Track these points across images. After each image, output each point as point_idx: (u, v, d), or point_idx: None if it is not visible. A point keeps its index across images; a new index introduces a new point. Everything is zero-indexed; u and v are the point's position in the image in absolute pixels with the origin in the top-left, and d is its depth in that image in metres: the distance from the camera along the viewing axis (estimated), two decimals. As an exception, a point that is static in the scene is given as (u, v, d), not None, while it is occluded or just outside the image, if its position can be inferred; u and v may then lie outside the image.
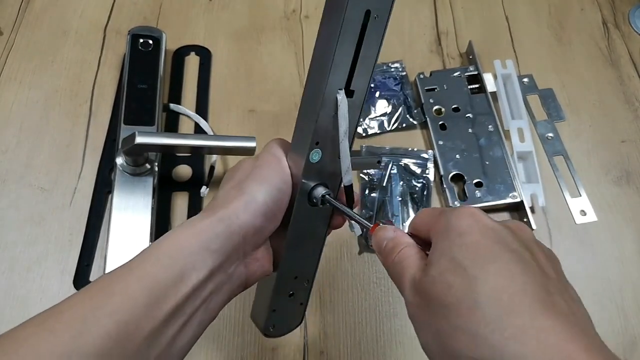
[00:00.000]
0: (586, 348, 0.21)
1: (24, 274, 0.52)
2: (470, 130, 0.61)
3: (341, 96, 0.30)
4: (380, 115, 0.63)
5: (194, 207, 0.57)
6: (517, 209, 0.58)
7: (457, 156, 0.60)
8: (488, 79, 0.65)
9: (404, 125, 0.63)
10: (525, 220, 0.56)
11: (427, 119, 0.62)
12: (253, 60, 0.68)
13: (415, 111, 0.63)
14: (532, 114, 0.65)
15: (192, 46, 0.68)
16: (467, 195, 0.57)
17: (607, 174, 0.61)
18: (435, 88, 0.64)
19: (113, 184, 0.55)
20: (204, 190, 0.57)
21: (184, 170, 0.60)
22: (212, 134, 0.61)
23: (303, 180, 0.32)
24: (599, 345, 0.23)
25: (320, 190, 0.33)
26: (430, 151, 0.60)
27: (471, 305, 0.23)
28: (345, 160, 0.32)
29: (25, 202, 0.56)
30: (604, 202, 0.59)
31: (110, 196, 0.55)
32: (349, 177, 0.32)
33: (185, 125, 0.63)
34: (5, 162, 0.58)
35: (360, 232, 0.36)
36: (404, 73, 0.66)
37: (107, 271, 0.48)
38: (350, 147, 0.32)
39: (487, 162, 0.59)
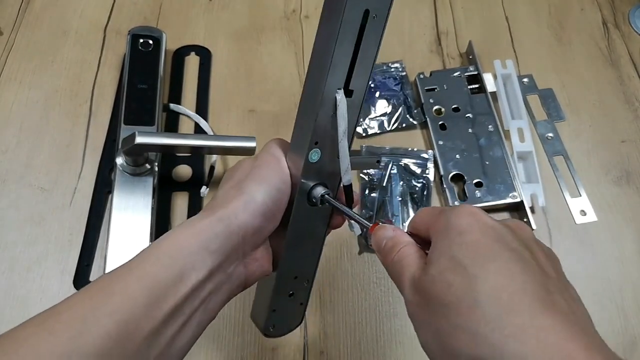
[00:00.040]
0: (586, 347, 0.21)
1: (24, 274, 0.52)
2: (470, 130, 0.61)
3: (340, 96, 0.30)
4: (380, 115, 0.63)
5: (194, 207, 0.57)
6: (517, 209, 0.58)
7: (457, 156, 0.60)
8: (488, 79, 0.65)
9: (404, 125, 0.63)
10: (525, 220, 0.56)
11: (427, 119, 0.62)
12: (253, 60, 0.68)
13: (415, 111, 0.63)
14: (532, 114, 0.65)
15: (192, 46, 0.68)
16: (467, 195, 0.57)
17: (607, 174, 0.61)
18: (435, 88, 0.64)
19: (113, 184, 0.55)
20: (204, 190, 0.57)
21: (184, 170, 0.60)
22: (212, 134, 0.61)
23: (302, 180, 0.32)
24: (599, 344, 0.23)
25: (320, 190, 0.33)
26: (430, 151, 0.60)
27: (471, 304, 0.23)
28: (345, 160, 0.32)
29: (25, 202, 0.56)
30: (604, 202, 0.59)
31: (110, 196, 0.55)
32: (348, 176, 0.32)
33: (185, 125, 0.63)
34: (5, 162, 0.58)
35: (360, 232, 0.36)
36: (404, 73, 0.66)
37: (107, 271, 0.48)
38: (350, 147, 0.33)
39: (487, 162, 0.59)
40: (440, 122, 0.62)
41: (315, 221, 0.36)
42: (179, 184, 0.59)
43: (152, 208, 0.54)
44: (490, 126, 0.61)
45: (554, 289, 0.24)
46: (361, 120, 0.63)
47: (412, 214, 0.56)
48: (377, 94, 0.64)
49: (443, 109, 0.63)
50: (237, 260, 0.31)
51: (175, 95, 0.65)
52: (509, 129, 0.61)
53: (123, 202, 0.54)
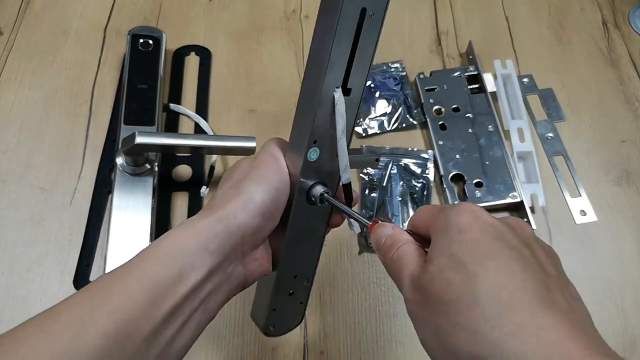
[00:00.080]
0: (586, 346, 0.21)
1: (24, 274, 0.52)
2: (470, 130, 0.61)
3: (338, 94, 0.30)
4: (380, 115, 0.63)
5: (194, 207, 0.57)
6: (517, 209, 0.58)
7: (457, 156, 0.60)
8: (488, 79, 0.65)
9: (404, 125, 0.63)
10: (525, 220, 0.56)
11: (427, 119, 0.62)
12: (253, 60, 0.68)
13: (415, 111, 0.63)
14: (532, 114, 0.65)
15: (192, 46, 0.68)
16: (467, 195, 0.57)
17: (607, 174, 0.61)
18: (435, 88, 0.64)
19: (113, 184, 0.55)
20: (204, 190, 0.57)
21: (184, 170, 0.60)
22: (212, 134, 0.61)
23: (301, 179, 0.32)
24: (599, 343, 0.23)
25: (319, 189, 0.33)
26: (430, 151, 0.60)
27: (471, 302, 0.23)
28: (343, 158, 0.32)
29: (25, 202, 0.56)
30: (604, 202, 0.59)
31: (110, 196, 0.55)
32: (347, 175, 0.32)
33: (185, 125, 0.63)
34: (5, 162, 0.58)
35: (360, 231, 0.36)
36: (404, 73, 0.66)
37: (107, 271, 0.48)
38: (348, 146, 0.33)
39: (487, 162, 0.59)
40: (440, 122, 0.62)
41: (314, 220, 0.36)
42: (179, 184, 0.59)
43: (152, 208, 0.54)
44: (490, 126, 0.61)
45: (554, 287, 0.24)
46: (361, 120, 0.63)
47: (412, 213, 0.56)
48: (377, 94, 0.64)
49: (443, 109, 0.63)
50: (237, 260, 0.31)
51: (175, 95, 0.65)
52: (509, 129, 0.61)
53: (123, 202, 0.54)
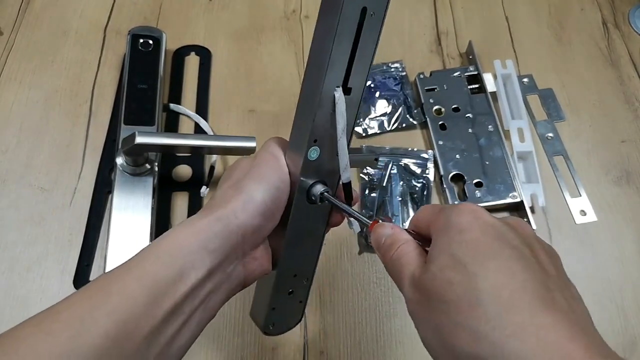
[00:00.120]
0: (586, 346, 0.21)
1: (24, 274, 0.52)
2: (470, 130, 0.61)
3: (339, 93, 0.30)
4: (380, 115, 0.63)
5: (194, 207, 0.57)
6: (517, 209, 0.58)
7: (457, 156, 0.60)
8: (488, 79, 0.65)
9: (404, 125, 0.63)
10: (525, 220, 0.56)
11: (427, 119, 0.62)
12: (253, 60, 0.68)
13: (415, 111, 0.63)
14: (532, 114, 0.65)
15: (192, 46, 0.68)
16: (467, 195, 0.57)
17: (607, 174, 0.61)
18: (435, 88, 0.64)
19: (113, 184, 0.55)
20: (204, 190, 0.57)
21: (184, 170, 0.60)
22: (212, 134, 0.61)
23: (301, 178, 0.32)
24: (599, 344, 0.23)
25: (319, 188, 0.33)
26: (430, 151, 0.60)
27: (472, 302, 0.23)
28: (344, 157, 0.32)
29: (25, 202, 0.56)
30: (604, 202, 0.59)
31: (110, 196, 0.55)
32: (348, 174, 0.33)
33: (185, 125, 0.63)
34: (5, 162, 0.58)
35: (360, 230, 0.36)
36: (404, 73, 0.66)
37: (107, 271, 0.48)
38: (348, 145, 0.33)
39: (487, 162, 0.59)
40: (440, 122, 0.62)
41: (314, 219, 0.36)
42: (179, 184, 0.59)
43: (152, 208, 0.54)
44: (490, 126, 0.61)
45: (554, 287, 0.24)
46: (361, 120, 0.63)
47: (412, 213, 0.56)
48: (377, 94, 0.64)
49: (443, 109, 0.63)
50: (237, 259, 0.31)
51: (175, 95, 0.65)
52: (509, 129, 0.61)
53: (123, 202, 0.54)
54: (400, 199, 0.57)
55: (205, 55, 0.68)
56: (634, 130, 0.64)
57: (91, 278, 0.52)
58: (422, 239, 0.29)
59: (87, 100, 0.63)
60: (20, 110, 0.62)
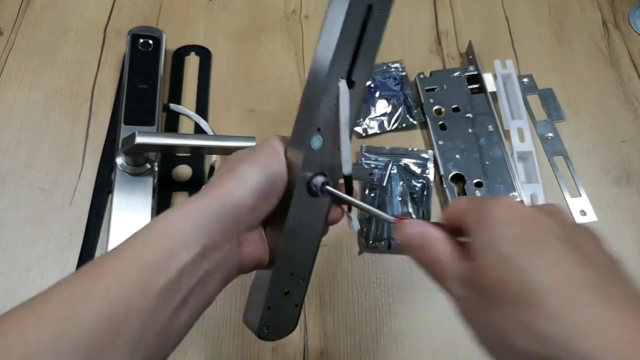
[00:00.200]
0: None
1: (24, 274, 0.52)
2: (470, 130, 0.61)
3: (343, 84, 0.31)
4: (380, 115, 0.63)
5: (194, 207, 0.57)
6: (517, 209, 0.58)
7: (457, 156, 0.60)
8: (488, 79, 0.65)
9: (404, 125, 0.63)
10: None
11: (427, 119, 0.62)
12: (253, 60, 0.68)
13: (415, 111, 0.63)
14: (532, 114, 0.65)
15: (192, 46, 0.68)
16: (467, 195, 0.57)
17: (607, 174, 0.61)
18: (435, 88, 0.64)
19: (113, 184, 0.55)
20: (204, 190, 0.57)
21: (184, 170, 0.60)
22: (212, 134, 0.61)
23: (303, 167, 0.32)
24: None
25: (320, 179, 0.34)
26: (430, 151, 0.61)
27: (529, 300, 0.22)
28: (346, 149, 0.32)
29: (25, 202, 0.56)
30: (604, 202, 0.59)
31: (110, 196, 0.55)
32: (349, 166, 0.33)
33: (185, 125, 0.63)
34: (5, 162, 0.58)
35: (359, 228, 0.36)
36: (404, 73, 0.66)
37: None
38: (350, 139, 0.33)
39: (487, 162, 0.59)
40: (440, 122, 0.62)
41: (314, 213, 0.36)
42: (179, 184, 0.59)
43: (152, 208, 0.54)
44: (490, 126, 0.61)
45: (607, 277, 0.23)
46: (361, 120, 0.63)
47: (412, 214, 0.56)
48: (377, 94, 0.64)
49: (443, 109, 0.63)
50: (233, 239, 0.31)
51: (175, 95, 0.65)
52: (509, 129, 0.61)
53: (123, 202, 0.54)
54: (400, 199, 0.57)
55: (205, 55, 0.68)
56: (634, 130, 0.64)
57: (91, 278, 0.52)
58: (452, 231, 0.28)
59: (87, 100, 0.63)
60: (20, 110, 0.62)
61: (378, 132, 0.63)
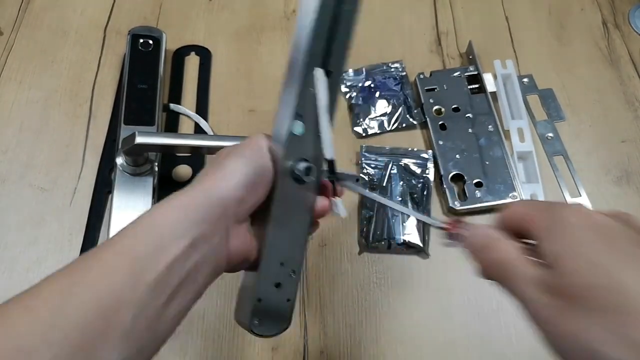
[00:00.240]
0: None
1: (24, 274, 0.52)
2: (470, 130, 0.61)
3: (319, 72, 0.33)
4: (380, 115, 0.63)
5: (194, 207, 0.57)
6: (517, 209, 0.58)
7: (457, 156, 0.60)
8: (488, 79, 0.65)
9: (404, 125, 0.63)
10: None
11: (427, 119, 0.62)
12: (253, 60, 0.68)
13: (415, 111, 0.63)
14: (532, 114, 0.65)
15: (192, 46, 0.68)
16: (467, 195, 0.57)
17: (607, 174, 0.61)
18: (435, 88, 0.64)
19: (113, 184, 0.55)
20: (204, 190, 0.57)
21: (184, 170, 0.60)
22: (212, 134, 0.61)
23: (285, 151, 0.33)
24: None
25: (303, 164, 0.34)
26: (430, 151, 0.60)
27: (621, 308, 0.22)
28: (326, 133, 0.33)
29: (25, 202, 0.56)
30: (604, 202, 0.59)
31: (110, 196, 0.55)
32: (331, 150, 0.34)
33: (185, 125, 0.63)
34: (5, 162, 0.58)
35: (345, 214, 0.36)
36: (404, 73, 0.66)
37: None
38: (331, 127, 0.35)
39: (487, 162, 0.59)
40: (440, 122, 0.62)
41: (300, 202, 0.36)
42: (179, 184, 0.59)
43: (152, 208, 0.54)
44: (490, 126, 0.61)
45: None
46: (361, 120, 0.63)
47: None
48: (377, 94, 0.64)
49: (443, 109, 0.63)
50: (221, 231, 0.31)
51: (175, 95, 0.65)
52: (509, 129, 0.61)
53: (123, 202, 0.54)
54: (400, 199, 0.57)
55: (205, 55, 0.68)
56: (634, 130, 0.64)
57: (91, 278, 0.52)
58: (509, 235, 0.28)
59: (87, 100, 0.63)
60: (20, 110, 0.62)
61: (378, 132, 0.63)
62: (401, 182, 0.58)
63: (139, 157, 0.54)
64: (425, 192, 0.58)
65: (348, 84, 0.65)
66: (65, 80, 0.64)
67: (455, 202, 0.57)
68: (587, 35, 0.71)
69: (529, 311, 0.26)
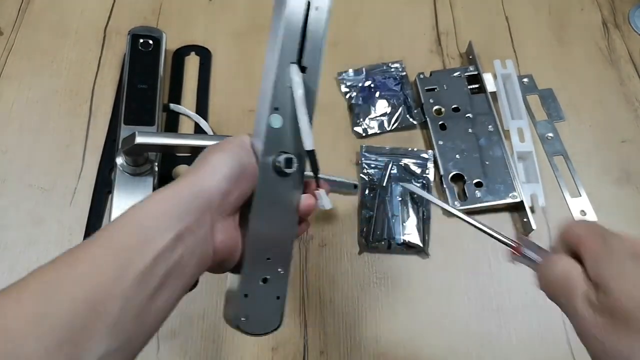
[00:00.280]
0: None
1: (24, 274, 0.52)
2: (470, 130, 0.61)
3: (294, 67, 0.35)
4: (380, 115, 0.63)
5: (194, 207, 0.57)
6: (517, 209, 0.58)
7: (457, 156, 0.60)
8: (488, 79, 0.65)
9: (404, 125, 0.63)
10: (525, 220, 0.56)
11: (427, 119, 0.62)
12: (253, 60, 0.68)
13: (415, 111, 0.63)
14: (532, 114, 0.65)
15: (192, 46, 0.68)
16: (467, 195, 0.57)
17: (607, 174, 0.61)
18: (435, 88, 0.64)
19: (113, 184, 0.55)
20: (204, 190, 0.57)
21: (183, 171, 0.59)
22: (212, 134, 0.61)
23: (265, 144, 0.34)
24: None
25: (283, 156, 0.35)
26: (430, 151, 0.61)
27: None
28: (304, 125, 0.34)
29: (25, 202, 0.56)
30: (604, 202, 0.59)
31: (110, 196, 0.55)
32: (310, 141, 0.34)
33: (185, 125, 0.63)
34: (5, 162, 0.58)
35: (330, 207, 0.37)
36: (404, 73, 0.66)
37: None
38: (310, 121, 0.36)
39: (487, 162, 0.59)
40: (440, 122, 0.62)
41: (284, 196, 0.36)
42: (179, 184, 0.59)
43: (152, 208, 0.54)
44: (490, 126, 0.61)
45: None
46: (361, 120, 0.63)
47: (412, 214, 0.56)
48: (377, 94, 0.64)
49: (443, 109, 0.63)
50: (206, 224, 0.31)
51: (175, 95, 0.65)
52: (509, 129, 0.61)
53: (123, 202, 0.53)
54: (400, 199, 0.57)
55: (205, 55, 0.68)
56: (634, 130, 0.64)
57: (91, 278, 0.52)
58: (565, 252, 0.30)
59: (87, 100, 0.63)
60: (20, 110, 0.62)
61: (378, 132, 0.63)
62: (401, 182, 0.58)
63: (139, 157, 0.54)
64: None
65: (348, 84, 0.65)
66: (65, 80, 0.64)
67: (455, 202, 0.57)
68: (587, 35, 0.71)
69: (580, 327, 0.28)
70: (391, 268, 0.54)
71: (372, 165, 0.60)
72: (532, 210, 0.56)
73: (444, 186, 0.58)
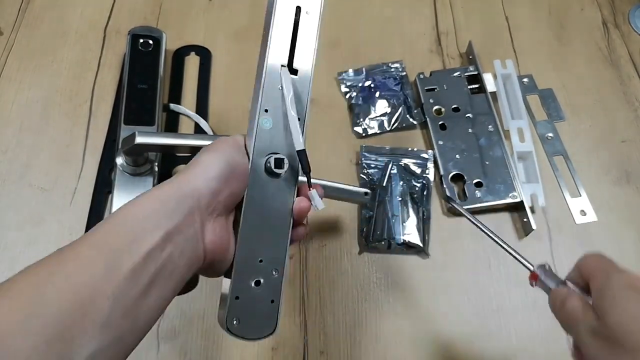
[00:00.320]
0: None
1: (24, 274, 0.52)
2: (470, 130, 0.61)
3: (284, 70, 0.36)
4: (380, 115, 0.63)
5: (194, 207, 0.57)
6: (517, 209, 0.58)
7: (457, 156, 0.60)
8: (488, 79, 0.65)
9: (404, 125, 0.63)
10: (525, 220, 0.56)
11: (427, 119, 0.62)
12: (253, 60, 0.67)
13: (415, 111, 0.63)
14: (532, 114, 0.65)
15: (192, 46, 0.68)
16: (467, 195, 0.57)
17: (607, 174, 0.61)
18: (435, 88, 0.64)
19: (113, 184, 0.55)
20: (204, 190, 0.57)
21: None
22: (212, 134, 0.61)
23: (254, 145, 0.35)
24: None
25: (274, 156, 0.35)
26: (430, 151, 0.61)
27: None
28: (294, 126, 0.35)
29: (25, 202, 0.56)
30: (604, 202, 0.59)
31: (110, 196, 0.55)
32: (300, 141, 0.35)
33: (185, 125, 0.63)
34: (5, 162, 0.58)
35: (322, 206, 0.36)
36: (404, 73, 0.66)
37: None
38: (304, 125, 0.37)
39: (487, 162, 0.59)
40: (440, 122, 0.62)
41: (277, 197, 0.36)
42: (179, 184, 0.59)
43: (152, 208, 0.54)
44: (490, 126, 0.61)
45: None
46: (361, 120, 0.63)
47: (412, 214, 0.56)
48: (377, 94, 0.64)
49: (443, 109, 0.63)
50: (196, 223, 0.31)
51: (175, 95, 0.65)
52: (509, 129, 0.61)
53: (123, 202, 0.53)
54: (400, 199, 0.57)
55: (205, 55, 0.68)
56: (634, 130, 0.64)
57: (91, 278, 0.52)
58: (578, 284, 0.34)
59: (87, 100, 0.63)
60: (20, 110, 0.62)
61: (378, 132, 0.63)
62: (401, 182, 0.58)
63: (139, 157, 0.54)
64: (425, 192, 0.58)
65: (348, 83, 0.65)
66: (65, 80, 0.64)
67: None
68: (587, 35, 0.71)
69: (584, 352, 0.31)
70: (391, 268, 0.54)
71: (372, 165, 0.60)
72: (532, 210, 0.56)
73: (444, 186, 0.58)
